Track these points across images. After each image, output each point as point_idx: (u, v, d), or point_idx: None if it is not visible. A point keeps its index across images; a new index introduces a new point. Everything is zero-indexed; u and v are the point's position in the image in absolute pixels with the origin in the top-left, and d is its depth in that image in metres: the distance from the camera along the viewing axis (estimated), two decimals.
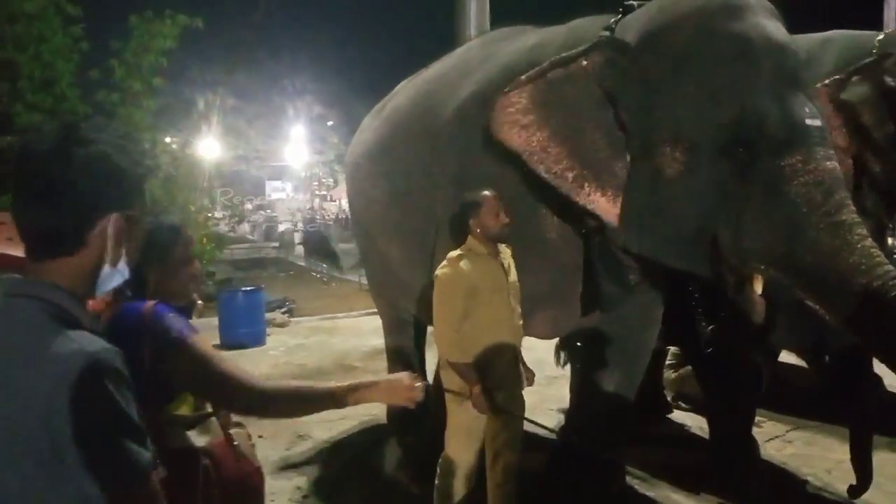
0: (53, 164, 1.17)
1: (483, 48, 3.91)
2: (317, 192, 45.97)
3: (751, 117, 2.62)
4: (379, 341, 5.60)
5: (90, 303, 1.27)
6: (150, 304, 1.76)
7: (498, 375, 3.10)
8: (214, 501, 1.75)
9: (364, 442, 4.75)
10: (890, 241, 6.06)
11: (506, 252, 3.18)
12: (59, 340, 1.10)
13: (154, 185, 10.96)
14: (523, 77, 2.94)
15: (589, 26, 3.24)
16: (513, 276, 3.16)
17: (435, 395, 3.88)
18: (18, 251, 1.27)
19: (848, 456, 4.22)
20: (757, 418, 4.30)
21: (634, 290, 3.29)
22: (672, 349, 4.81)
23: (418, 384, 1.86)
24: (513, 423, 3.18)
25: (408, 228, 3.93)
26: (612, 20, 3.06)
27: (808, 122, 2.67)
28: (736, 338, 3.77)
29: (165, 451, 1.61)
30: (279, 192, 47.37)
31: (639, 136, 2.83)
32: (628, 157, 2.86)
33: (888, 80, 4.39)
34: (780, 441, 4.45)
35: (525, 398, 3.26)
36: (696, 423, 4.61)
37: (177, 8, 10.78)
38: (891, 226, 5.71)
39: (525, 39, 3.60)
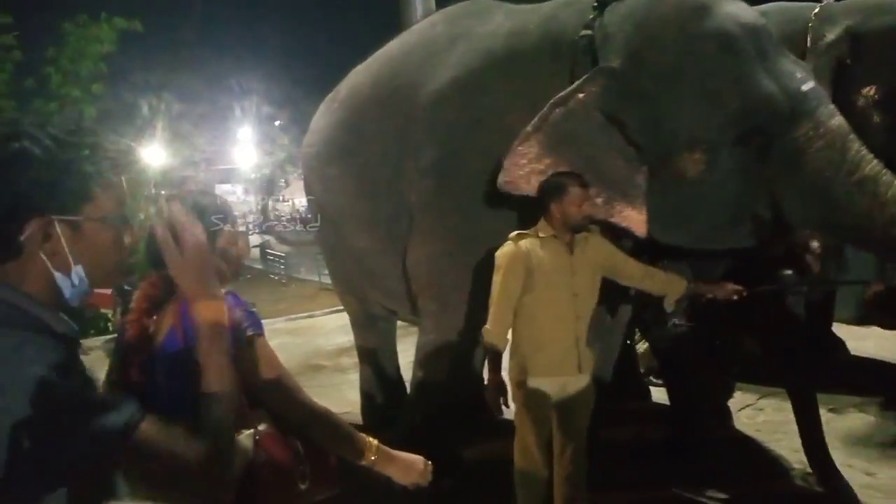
0: None
1: (448, 26, 3.75)
2: (270, 194, 45.32)
3: (755, 103, 2.79)
4: (344, 338, 5.51)
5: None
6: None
7: (551, 361, 2.96)
8: (305, 479, 1.77)
9: None
10: None
11: (585, 237, 2.97)
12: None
13: None
14: (528, 128, 2.97)
15: (567, 20, 3.23)
16: (588, 259, 2.96)
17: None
18: None
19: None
20: None
21: None
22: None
23: (430, 468, 1.89)
24: (575, 413, 3.04)
25: (377, 217, 3.79)
26: (590, 16, 3.11)
27: (805, 88, 2.84)
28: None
29: (261, 436, 1.65)
30: (230, 196, 46.63)
31: (653, 149, 2.95)
32: (645, 168, 2.95)
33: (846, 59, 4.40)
34: (751, 409, 4.50)
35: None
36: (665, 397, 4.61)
37: (113, 11, 10.43)
38: None
39: (497, 21, 3.53)
